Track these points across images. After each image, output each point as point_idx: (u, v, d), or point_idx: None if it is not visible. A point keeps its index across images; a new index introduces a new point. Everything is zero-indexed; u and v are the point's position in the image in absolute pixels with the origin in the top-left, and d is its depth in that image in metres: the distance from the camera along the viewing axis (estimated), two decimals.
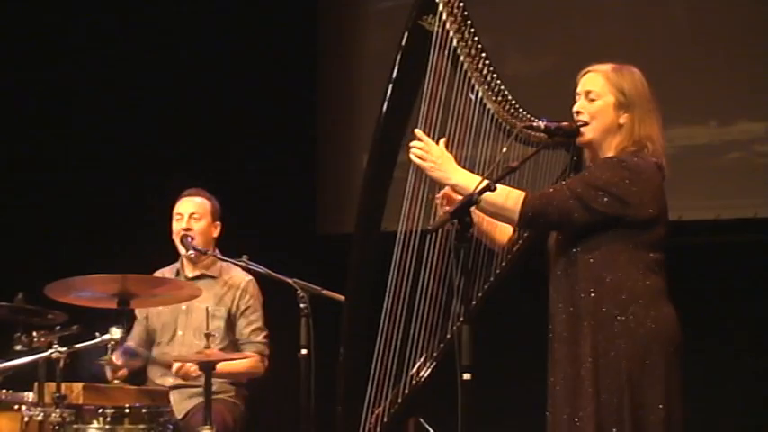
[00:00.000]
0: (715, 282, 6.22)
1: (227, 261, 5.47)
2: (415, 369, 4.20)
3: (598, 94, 3.96)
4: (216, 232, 5.59)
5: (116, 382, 4.97)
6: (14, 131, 6.74)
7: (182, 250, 5.51)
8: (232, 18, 7.29)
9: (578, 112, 3.98)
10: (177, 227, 5.52)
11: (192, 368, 5.17)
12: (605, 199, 3.83)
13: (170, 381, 5.44)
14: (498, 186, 3.78)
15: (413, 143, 3.98)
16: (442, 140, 3.99)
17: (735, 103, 6.51)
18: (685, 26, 6.64)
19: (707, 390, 5.62)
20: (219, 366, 5.13)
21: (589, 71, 4.00)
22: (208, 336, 4.89)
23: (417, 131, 4.00)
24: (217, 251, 5.54)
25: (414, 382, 4.20)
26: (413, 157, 3.97)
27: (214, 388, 5.19)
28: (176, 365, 5.24)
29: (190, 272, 5.60)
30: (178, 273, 5.62)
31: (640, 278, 3.85)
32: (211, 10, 7.24)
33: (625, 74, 3.98)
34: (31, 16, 6.84)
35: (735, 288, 6.24)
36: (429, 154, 3.95)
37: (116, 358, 4.86)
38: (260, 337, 5.52)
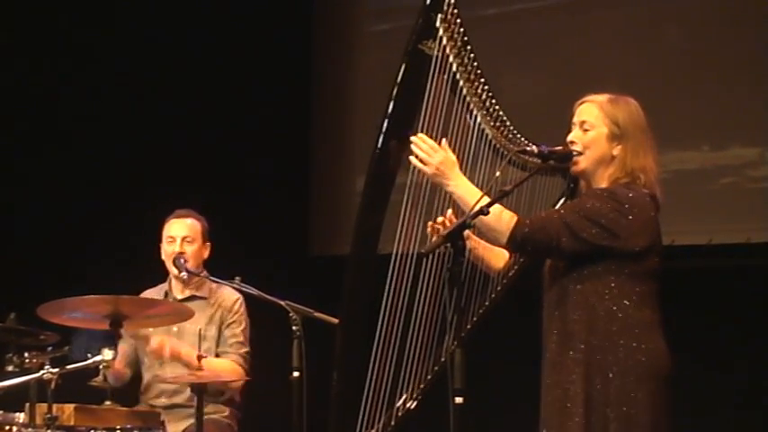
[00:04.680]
0: (707, 306, 6.22)
1: (219, 282, 5.47)
2: (407, 392, 4.20)
3: (592, 124, 3.96)
4: (206, 253, 5.59)
5: (107, 403, 4.95)
6: (4, 152, 6.74)
7: (174, 271, 5.50)
8: (226, 38, 7.30)
9: (572, 142, 3.98)
10: (170, 249, 5.50)
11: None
12: (594, 230, 3.83)
13: (163, 401, 5.44)
14: (492, 208, 3.79)
15: (414, 139, 3.95)
16: (444, 141, 3.98)
17: (727, 127, 6.52)
18: (679, 51, 6.66)
19: (698, 418, 5.61)
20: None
21: (585, 101, 4.01)
22: (200, 358, 4.89)
23: (420, 135, 3.98)
24: (205, 272, 5.53)
25: (406, 405, 4.19)
26: (413, 159, 3.96)
27: (208, 409, 5.21)
28: (154, 342, 5.28)
29: (179, 293, 5.58)
30: (166, 294, 5.60)
31: (632, 310, 3.85)
32: (204, 34, 7.24)
33: (621, 105, 3.98)
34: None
35: (727, 313, 6.23)
36: (432, 158, 3.94)
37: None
38: (241, 351, 5.50)
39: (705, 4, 6.68)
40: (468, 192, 3.88)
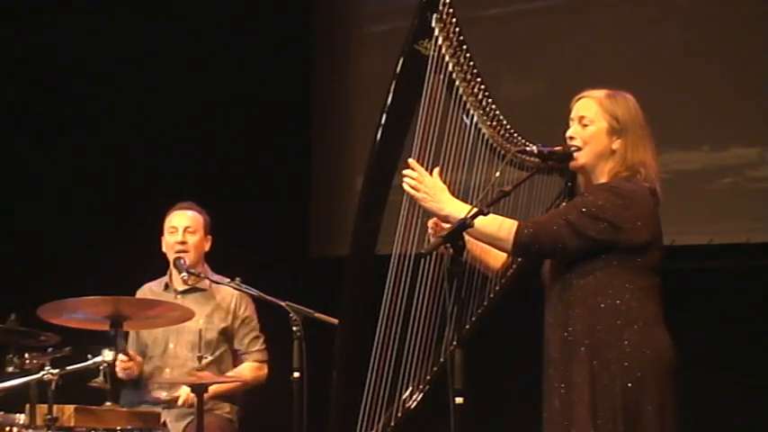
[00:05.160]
0: (707, 306, 6.21)
1: (220, 283, 5.48)
2: (407, 393, 4.19)
3: (591, 119, 3.97)
4: (207, 246, 5.62)
5: (107, 404, 4.95)
6: (4, 152, 6.74)
7: (175, 272, 5.52)
8: (226, 38, 7.30)
9: (571, 138, 3.99)
10: (172, 240, 5.54)
11: (192, 394, 5.19)
12: (598, 226, 3.83)
13: (164, 394, 5.46)
14: (491, 215, 3.80)
15: (406, 171, 3.99)
16: (436, 170, 4.00)
17: (728, 128, 6.51)
18: (679, 51, 6.66)
19: (699, 417, 5.61)
20: (218, 387, 5.18)
21: (583, 97, 4.02)
22: (200, 358, 4.90)
23: (411, 161, 4.01)
24: (206, 265, 5.57)
25: (406, 405, 4.19)
26: (406, 187, 3.98)
27: (209, 405, 5.22)
28: (181, 400, 5.33)
29: (179, 285, 5.61)
30: (167, 286, 5.63)
31: (635, 303, 3.86)
32: (205, 34, 7.24)
33: (619, 100, 3.99)
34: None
35: (727, 312, 6.23)
36: (422, 184, 3.95)
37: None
38: (258, 344, 5.59)
39: (705, 4, 6.67)
40: (463, 212, 3.84)
